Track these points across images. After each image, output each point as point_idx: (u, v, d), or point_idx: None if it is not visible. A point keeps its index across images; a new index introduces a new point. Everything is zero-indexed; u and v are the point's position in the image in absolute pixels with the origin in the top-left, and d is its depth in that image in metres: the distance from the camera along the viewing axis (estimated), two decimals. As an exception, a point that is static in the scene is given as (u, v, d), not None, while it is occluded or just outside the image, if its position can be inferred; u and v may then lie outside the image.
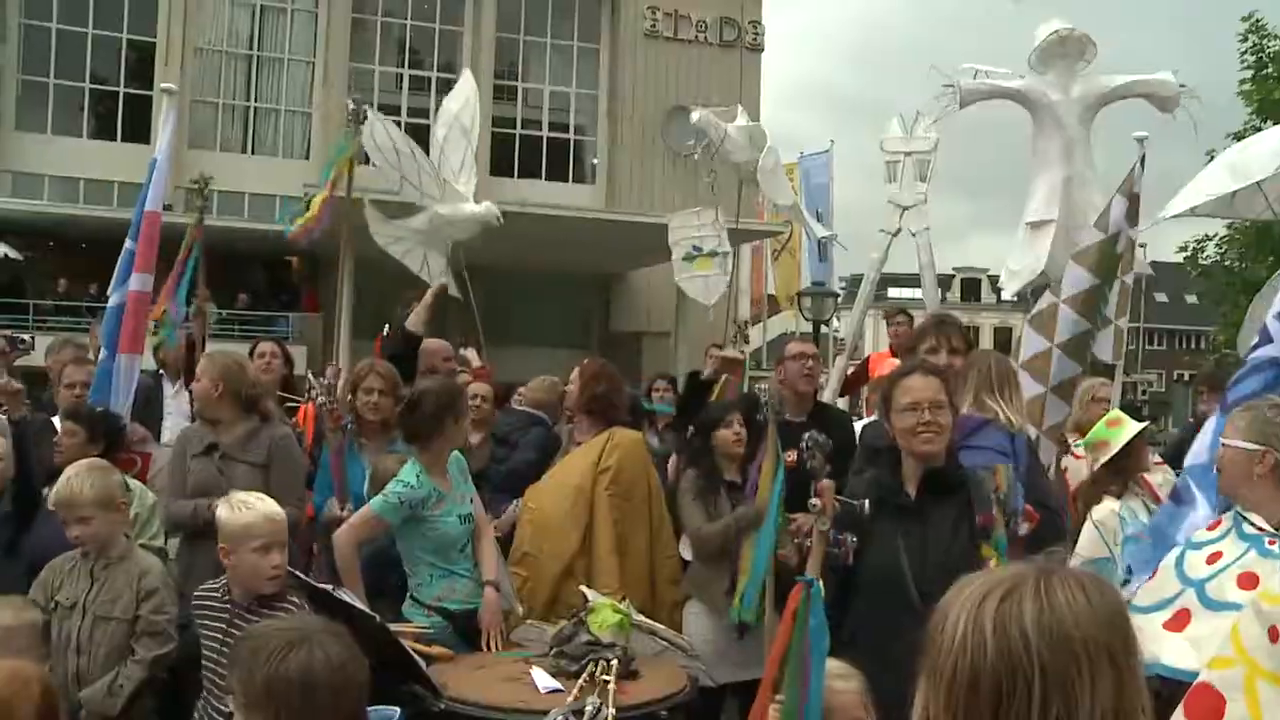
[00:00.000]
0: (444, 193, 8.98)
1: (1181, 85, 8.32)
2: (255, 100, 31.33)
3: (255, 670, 2.16)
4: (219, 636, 3.66)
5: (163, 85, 7.37)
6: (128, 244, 6.71)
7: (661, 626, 4.69)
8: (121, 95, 30.64)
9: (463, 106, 9.75)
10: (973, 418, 4.07)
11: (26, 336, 5.80)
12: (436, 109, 32.74)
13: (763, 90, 32.97)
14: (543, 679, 3.89)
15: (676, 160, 29.58)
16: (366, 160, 8.72)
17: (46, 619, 3.97)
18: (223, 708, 3.64)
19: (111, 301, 6.66)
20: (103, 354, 6.35)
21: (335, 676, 2.17)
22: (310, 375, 9.26)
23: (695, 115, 11.10)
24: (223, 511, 3.69)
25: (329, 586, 3.85)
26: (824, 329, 21.99)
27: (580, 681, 3.81)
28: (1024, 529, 3.74)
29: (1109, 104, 8.64)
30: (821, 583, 3.08)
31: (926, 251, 10.02)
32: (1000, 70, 8.91)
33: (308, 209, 8.71)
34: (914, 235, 10.24)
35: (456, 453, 4.78)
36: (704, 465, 5.39)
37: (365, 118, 8.48)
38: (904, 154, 10.15)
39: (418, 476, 4.56)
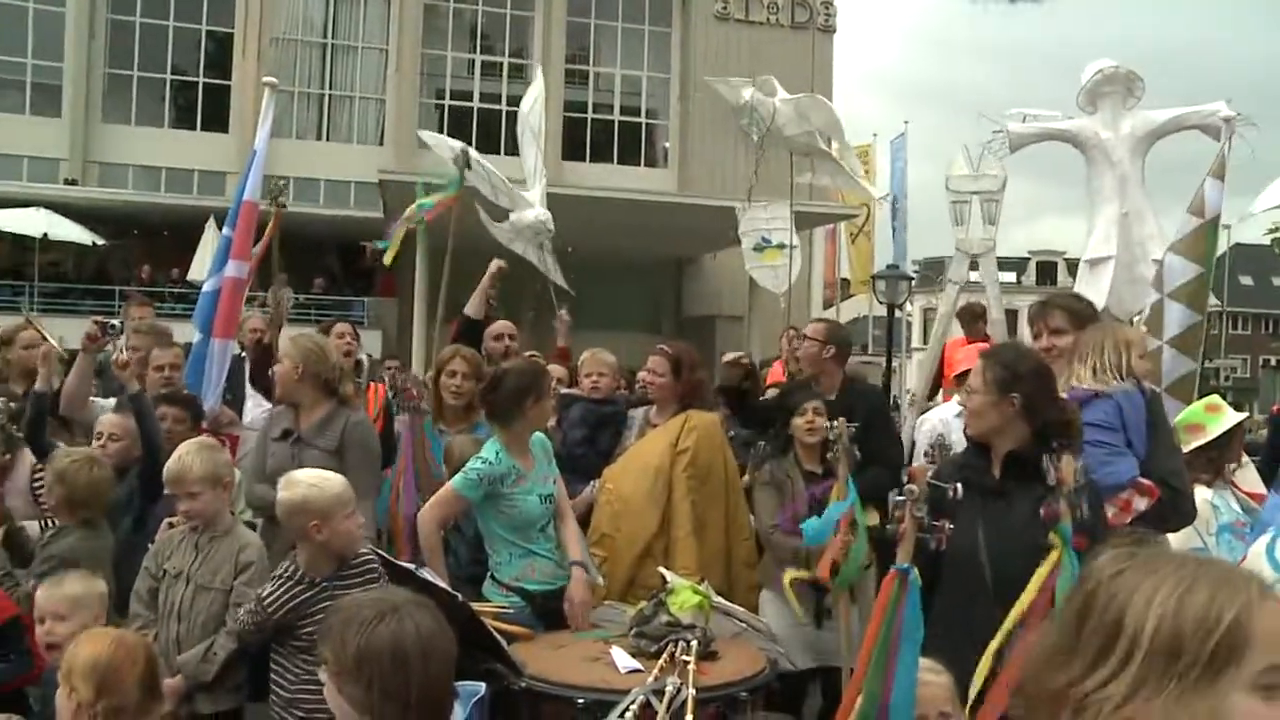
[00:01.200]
0: (514, 201, 9.06)
1: (1237, 114, 8.08)
2: (330, 88, 31.76)
3: (347, 641, 2.20)
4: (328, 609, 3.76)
5: (265, 79, 7.44)
6: (225, 230, 6.86)
7: (740, 608, 4.67)
8: (200, 85, 31.24)
9: (531, 108, 9.79)
10: (1078, 391, 3.98)
11: (116, 321, 5.89)
12: (508, 94, 33.01)
13: (834, 73, 32.77)
14: (623, 659, 3.89)
15: (750, 143, 29.43)
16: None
17: (155, 586, 4.12)
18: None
19: (207, 287, 6.76)
20: (197, 338, 6.47)
21: (425, 647, 2.21)
22: (367, 357, 9.40)
23: (746, 93, 11.02)
24: (308, 492, 3.76)
25: (412, 565, 3.90)
26: (898, 313, 21.76)
27: (660, 662, 3.81)
28: (1142, 504, 3.65)
29: (1162, 138, 8.45)
30: (917, 570, 3.04)
31: (997, 305, 9.53)
32: (1048, 112, 8.77)
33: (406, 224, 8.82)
34: (985, 288, 9.87)
35: (541, 434, 4.78)
36: (781, 455, 5.35)
37: (471, 163, 8.52)
38: (971, 194, 9.87)
39: (497, 454, 4.58)
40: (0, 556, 4.50)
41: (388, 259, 9.13)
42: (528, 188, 9.30)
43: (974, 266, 9.74)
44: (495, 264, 7.30)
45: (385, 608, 2.23)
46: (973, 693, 3.08)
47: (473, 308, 7.02)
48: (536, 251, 9.18)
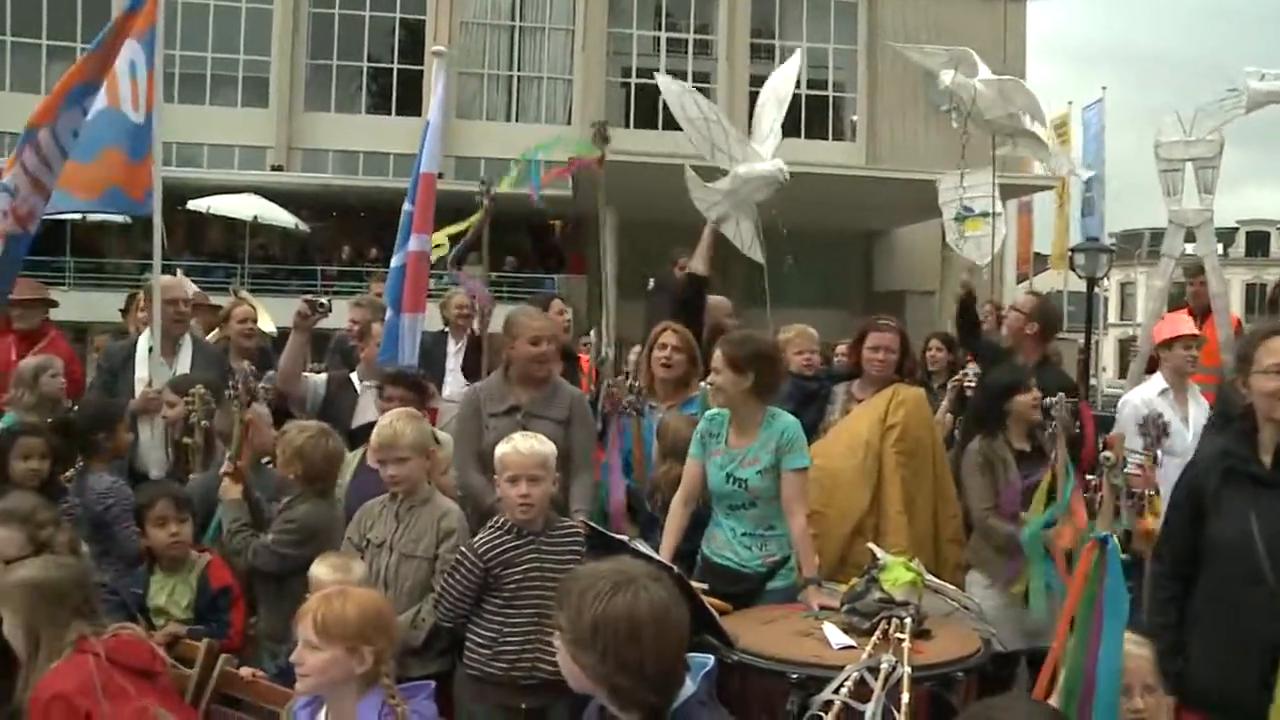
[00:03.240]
0: (745, 154, 8.99)
1: None
2: (518, 69, 32.33)
3: (583, 610, 2.22)
4: (533, 561, 3.93)
5: (433, 49, 7.53)
6: (406, 206, 6.87)
7: (951, 587, 4.56)
8: (395, 72, 32.24)
9: (783, 79, 9.79)
10: None
11: (325, 300, 6.12)
12: (693, 72, 32.97)
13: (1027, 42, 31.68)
14: (835, 635, 3.83)
15: (940, 114, 28.66)
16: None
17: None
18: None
19: (393, 263, 6.82)
20: (389, 314, 6.54)
21: (659, 618, 2.21)
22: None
23: (946, 78, 10.68)
24: (545, 448, 3.95)
25: (625, 537, 3.93)
26: (1095, 289, 20.85)
27: (874, 639, 3.74)
28: None
29: None
30: (1116, 539, 2.92)
31: (1218, 279, 8.86)
32: None
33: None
34: (1204, 261, 9.28)
35: (792, 422, 4.61)
36: (993, 432, 5.20)
37: (609, 139, 8.50)
38: (1184, 161, 9.25)
39: (713, 416, 4.64)
40: (242, 509, 4.72)
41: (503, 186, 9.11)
42: (762, 145, 9.24)
43: (1189, 238, 9.21)
44: (713, 224, 7.24)
45: (621, 579, 2.24)
46: None
47: (699, 264, 6.98)
48: (735, 221, 9.11)
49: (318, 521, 4.51)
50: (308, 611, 2.90)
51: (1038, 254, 28.15)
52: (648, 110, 29.37)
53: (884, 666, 3.45)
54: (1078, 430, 4.64)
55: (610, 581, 2.24)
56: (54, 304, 7.74)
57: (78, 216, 22.30)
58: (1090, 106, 22.45)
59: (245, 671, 3.73)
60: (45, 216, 5.93)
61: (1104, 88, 21.36)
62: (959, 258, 12.55)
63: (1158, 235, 10.70)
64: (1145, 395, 5.88)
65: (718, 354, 4.56)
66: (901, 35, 30.71)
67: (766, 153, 8.96)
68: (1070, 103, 23.11)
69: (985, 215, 10.76)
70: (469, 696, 4.03)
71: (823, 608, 4.21)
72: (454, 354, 7.66)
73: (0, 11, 30.10)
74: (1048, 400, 4.68)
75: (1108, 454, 3.06)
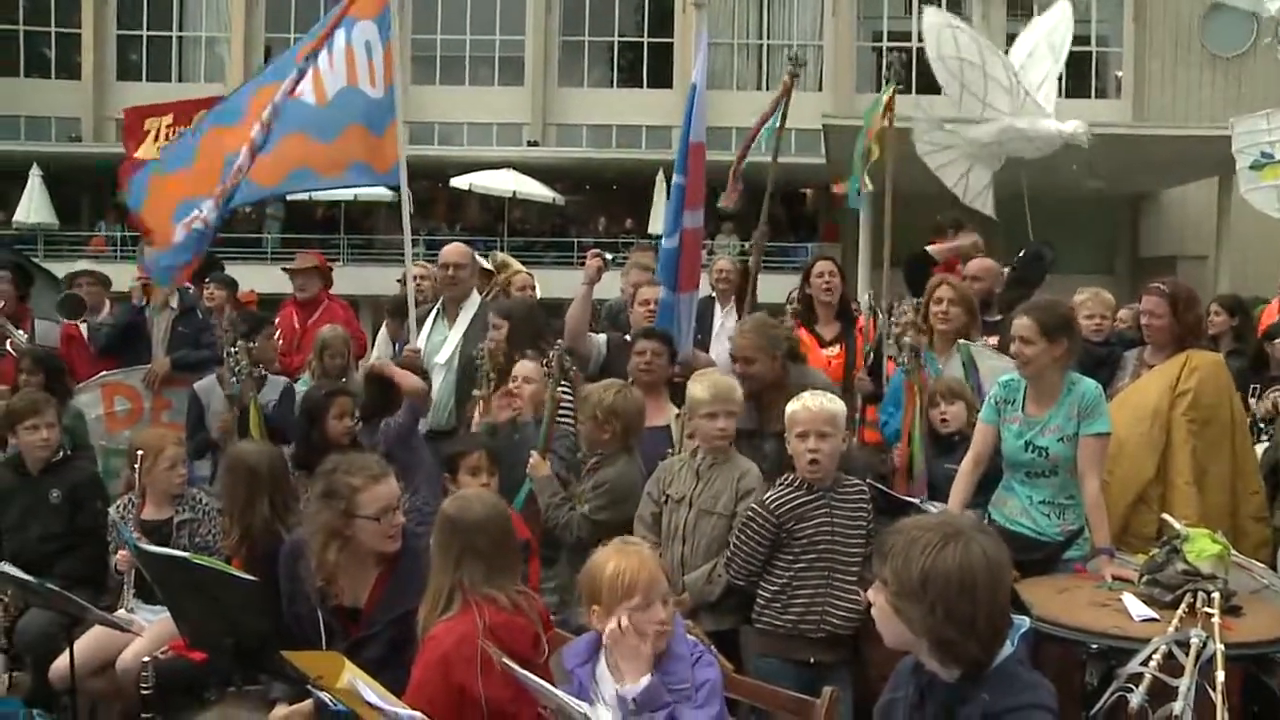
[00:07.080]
0: (1022, 105, 8.56)
1: None
2: (767, 38, 32.13)
3: (911, 562, 2.22)
4: (824, 516, 4.01)
5: (693, 1, 7.41)
6: (676, 179, 6.65)
7: (1259, 564, 4.33)
8: (645, 45, 32.60)
9: (1054, 26, 9.33)
10: None
11: (609, 256, 6.33)
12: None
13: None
14: (1136, 607, 3.69)
15: (1217, 64, 26.88)
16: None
17: (657, 511, 4.41)
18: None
19: (666, 244, 6.56)
20: (663, 292, 6.44)
21: (992, 571, 2.19)
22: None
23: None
24: (838, 406, 4.03)
25: (916, 500, 3.91)
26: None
27: (1179, 612, 3.58)
28: None
29: None
30: None
31: None
32: None
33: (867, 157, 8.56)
34: None
35: (1094, 386, 4.49)
36: None
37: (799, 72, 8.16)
38: None
39: (1008, 382, 4.56)
40: (554, 484, 4.89)
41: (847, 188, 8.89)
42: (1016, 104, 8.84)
43: None
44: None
45: (950, 531, 2.22)
46: None
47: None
48: (967, 170, 8.74)
49: (625, 482, 4.68)
50: (654, 576, 2.97)
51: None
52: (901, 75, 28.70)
53: (1194, 641, 3.31)
54: None
55: (939, 533, 2.22)
56: (328, 272, 8.32)
57: (350, 196, 23.73)
58: None
59: None
60: (289, 196, 6.17)
61: None
62: (1235, 222, 11.66)
63: None
64: None
65: (1027, 322, 4.40)
66: (1175, -20, 28.90)
67: (1049, 108, 8.48)
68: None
69: (1286, 161, 9.95)
70: (757, 650, 4.13)
71: (1116, 578, 4.08)
72: (720, 317, 7.67)
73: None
74: None
75: None
